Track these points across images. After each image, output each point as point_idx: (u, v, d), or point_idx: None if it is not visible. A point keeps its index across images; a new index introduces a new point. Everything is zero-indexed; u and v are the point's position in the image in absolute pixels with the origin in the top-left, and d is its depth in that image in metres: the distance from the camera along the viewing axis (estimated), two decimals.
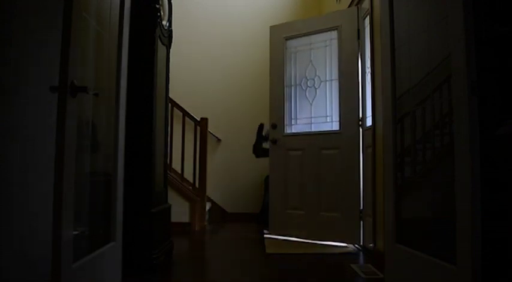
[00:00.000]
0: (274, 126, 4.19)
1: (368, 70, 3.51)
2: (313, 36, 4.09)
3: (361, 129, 3.66)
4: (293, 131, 4.17)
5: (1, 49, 1.56)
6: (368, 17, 3.43)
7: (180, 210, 4.39)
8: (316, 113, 4.06)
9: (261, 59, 4.92)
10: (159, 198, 2.88)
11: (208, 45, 5.51)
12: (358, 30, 3.74)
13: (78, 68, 1.61)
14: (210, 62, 5.51)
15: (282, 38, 4.25)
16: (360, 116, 3.66)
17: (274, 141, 4.17)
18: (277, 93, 4.23)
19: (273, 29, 4.34)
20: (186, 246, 3.87)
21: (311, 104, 4.10)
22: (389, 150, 2.32)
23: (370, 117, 3.32)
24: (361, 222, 3.57)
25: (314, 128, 4.06)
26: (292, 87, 4.21)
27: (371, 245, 3.19)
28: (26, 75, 1.68)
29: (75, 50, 1.57)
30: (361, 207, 3.58)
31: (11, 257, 1.57)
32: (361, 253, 3.36)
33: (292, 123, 4.20)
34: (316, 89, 4.08)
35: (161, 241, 2.82)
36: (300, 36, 4.17)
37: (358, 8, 3.75)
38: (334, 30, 3.95)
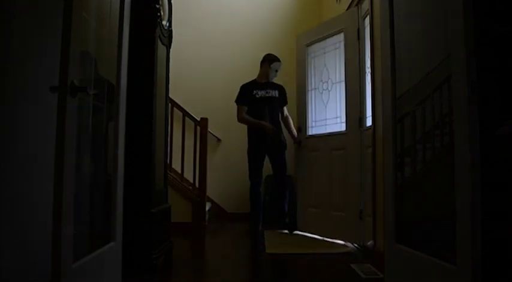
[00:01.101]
0: (299, 129, 4.48)
1: (368, 70, 3.51)
2: (326, 41, 4.28)
3: (361, 129, 3.67)
4: (313, 132, 4.39)
5: (1, 49, 1.56)
6: (368, 17, 3.42)
7: (180, 210, 4.38)
8: (329, 114, 4.23)
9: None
10: (159, 198, 2.88)
11: (208, 45, 5.50)
12: (358, 30, 3.74)
13: (78, 68, 1.61)
14: (210, 61, 5.50)
15: (303, 45, 4.50)
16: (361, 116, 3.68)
17: (299, 143, 4.47)
18: (302, 98, 4.49)
19: (299, 38, 4.62)
20: (186, 246, 3.87)
21: (325, 106, 4.26)
22: (389, 150, 2.32)
23: (370, 117, 3.32)
24: (362, 222, 3.57)
25: (328, 130, 4.21)
26: (312, 91, 4.42)
27: (371, 244, 3.19)
28: (26, 75, 1.68)
29: (75, 50, 1.57)
30: (362, 207, 3.58)
31: (10, 257, 1.57)
32: (361, 253, 3.36)
33: (312, 125, 4.41)
34: (329, 91, 4.23)
35: (161, 241, 2.82)
36: (317, 42, 4.38)
37: (358, 8, 3.76)
38: (340, 32, 4.04)
